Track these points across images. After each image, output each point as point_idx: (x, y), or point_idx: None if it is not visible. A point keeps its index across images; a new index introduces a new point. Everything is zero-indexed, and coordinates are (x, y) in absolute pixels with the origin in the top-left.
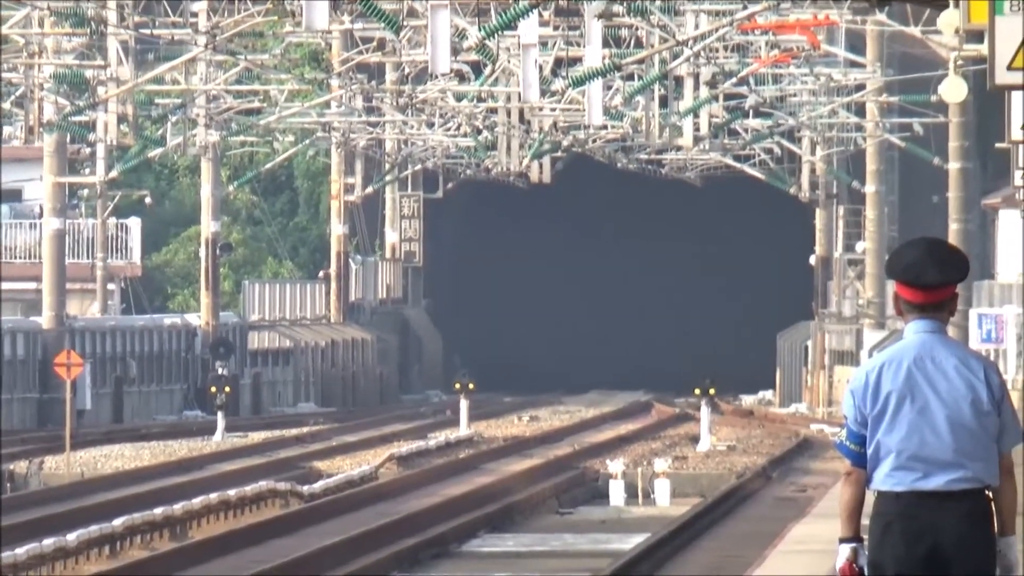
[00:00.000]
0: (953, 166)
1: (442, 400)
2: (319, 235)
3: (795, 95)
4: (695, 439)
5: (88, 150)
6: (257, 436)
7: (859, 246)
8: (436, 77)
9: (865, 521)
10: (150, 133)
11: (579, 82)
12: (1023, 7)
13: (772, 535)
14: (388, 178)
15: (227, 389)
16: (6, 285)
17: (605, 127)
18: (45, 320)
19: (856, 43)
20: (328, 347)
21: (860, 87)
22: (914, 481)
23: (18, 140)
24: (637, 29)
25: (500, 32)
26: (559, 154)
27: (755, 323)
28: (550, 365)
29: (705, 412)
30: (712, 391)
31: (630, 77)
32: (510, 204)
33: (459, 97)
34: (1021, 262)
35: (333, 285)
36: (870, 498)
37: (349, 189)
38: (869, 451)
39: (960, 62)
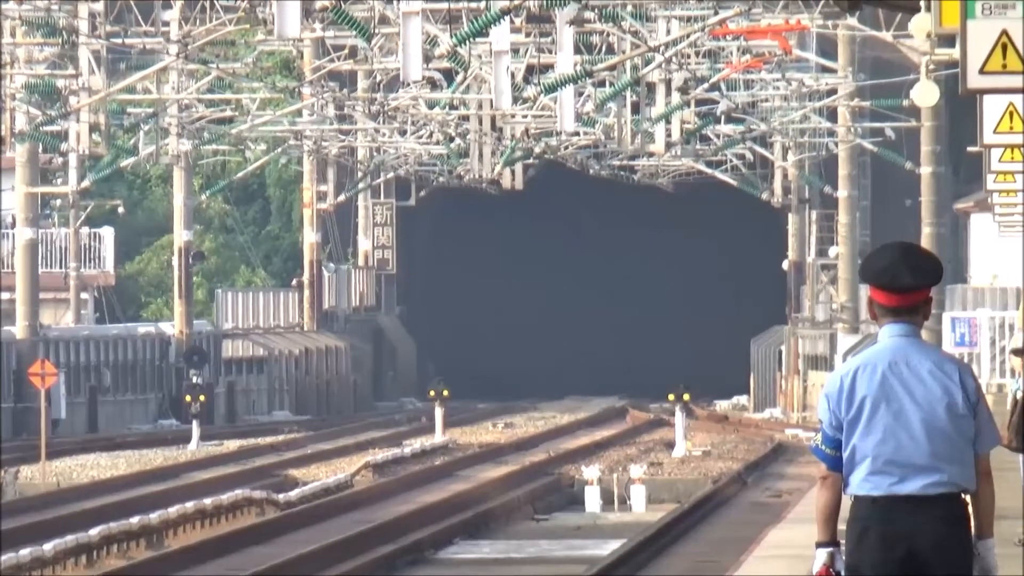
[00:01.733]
0: (925, 170)
1: (416, 407)
2: (292, 243)
3: (767, 100)
4: (670, 445)
5: (60, 160)
6: (232, 444)
7: (832, 251)
8: (408, 85)
9: (842, 526)
10: (122, 143)
11: (551, 89)
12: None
13: (748, 540)
14: (360, 186)
15: (201, 398)
16: None
17: (577, 134)
18: (19, 330)
19: (827, 48)
20: (302, 355)
21: (832, 92)
22: (890, 485)
23: None
24: (609, 35)
25: (472, 39)
26: (531, 161)
27: (729, 328)
28: (524, 371)
29: (680, 417)
30: (686, 396)
31: (602, 83)
32: (483, 211)
33: (431, 104)
34: (994, 266)
35: (306, 293)
36: (846, 503)
37: (321, 197)
38: (845, 455)
39: (932, 66)
